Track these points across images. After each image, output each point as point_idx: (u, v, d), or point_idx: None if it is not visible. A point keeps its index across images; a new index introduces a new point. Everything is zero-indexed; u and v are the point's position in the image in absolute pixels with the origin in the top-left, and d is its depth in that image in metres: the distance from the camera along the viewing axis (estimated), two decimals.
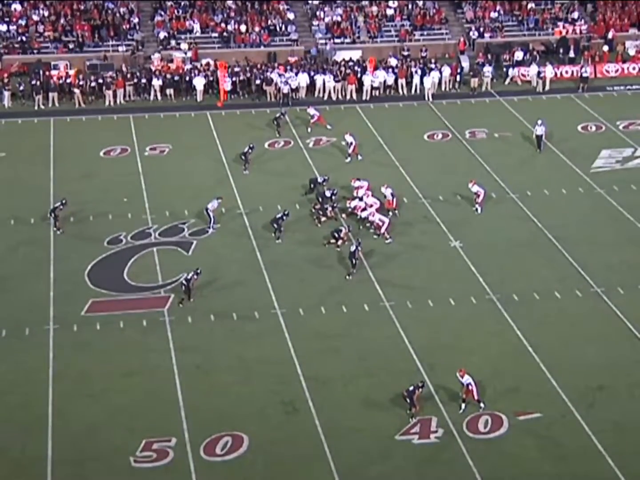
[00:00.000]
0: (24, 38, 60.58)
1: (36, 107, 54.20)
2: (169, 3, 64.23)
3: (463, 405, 29.71)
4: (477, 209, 42.26)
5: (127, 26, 62.16)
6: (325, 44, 62.05)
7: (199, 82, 55.87)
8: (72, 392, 30.53)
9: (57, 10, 62.67)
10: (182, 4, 64.20)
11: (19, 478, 27.13)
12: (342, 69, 57.27)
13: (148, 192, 44.15)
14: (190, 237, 40.29)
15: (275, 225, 39.76)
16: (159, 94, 55.80)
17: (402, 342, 33.28)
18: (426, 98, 56.06)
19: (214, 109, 54.27)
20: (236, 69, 57.08)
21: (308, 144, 49.65)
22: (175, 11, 63.54)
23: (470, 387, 29.58)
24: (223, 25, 62.86)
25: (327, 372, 31.58)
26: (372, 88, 56.39)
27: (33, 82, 54.79)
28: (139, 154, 48.46)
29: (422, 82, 56.72)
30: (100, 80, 55.60)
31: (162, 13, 63.46)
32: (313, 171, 46.05)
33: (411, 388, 29.23)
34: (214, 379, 31.35)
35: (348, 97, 56.27)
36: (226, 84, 55.75)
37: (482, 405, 29.69)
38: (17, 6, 62.48)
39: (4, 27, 61.16)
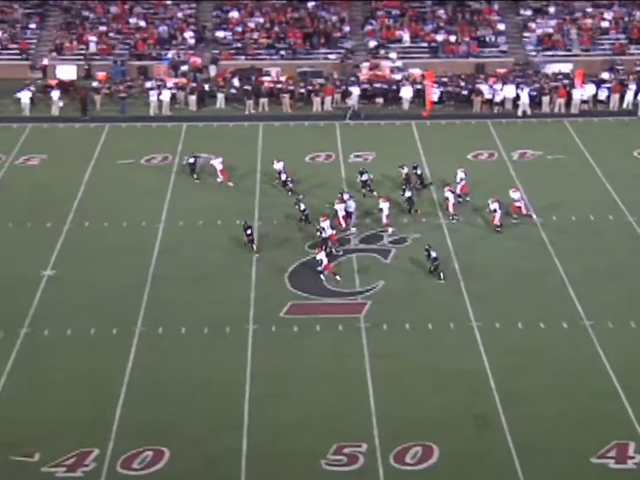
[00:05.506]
0: (239, 44, 62.47)
1: (247, 112, 55.73)
2: (380, 12, 64.80)
3: None
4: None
5: (338, 34, 63.10)
6: (535, 55, 61.20)
7: (407, 92, 56.04)
8: (267, 392, 31.13)
9: (271, 18, 64.33)
10: (393, 13, 64.63)
11: (214, 470, 27.81)
12: (549, 81, 56.40)
13: None
14: (390, 245, 40.49)
15: None
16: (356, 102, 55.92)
17: (600, 362, 32.47)
18: (639, 114, 54.45)
19: (419, 119, 54.35)
20: (443, 79, 57.02)
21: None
22: (386, 20, 64.03)
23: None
24: (432, 35, 62.91)
25: (521, 388, 31.13)
26: (581, 102, 55.24)
27: (245, 87, 56.45)
28: (342, 160, 49.04)
29: (635, 98, 55.14)
30: (310, 87, 56.72)
31: (373, 22, 64.06)
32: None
33: None
34: (406, 387, 31.37)
35: (556, 110, 55.30)
36: (433, 94, 55.72)
37: None
38: (234, 14, 64.59)
39: (221, 34, 63.28)
